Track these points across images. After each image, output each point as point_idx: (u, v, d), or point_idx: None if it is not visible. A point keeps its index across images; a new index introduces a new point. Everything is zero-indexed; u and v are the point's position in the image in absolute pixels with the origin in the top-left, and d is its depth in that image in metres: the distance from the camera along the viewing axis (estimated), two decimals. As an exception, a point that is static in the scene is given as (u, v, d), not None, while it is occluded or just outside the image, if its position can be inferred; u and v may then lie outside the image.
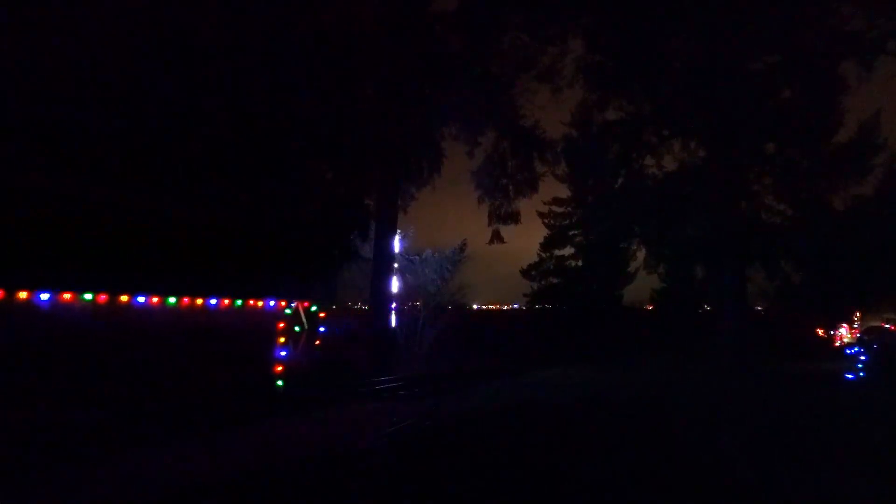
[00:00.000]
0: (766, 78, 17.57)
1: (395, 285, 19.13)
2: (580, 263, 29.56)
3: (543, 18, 18.64)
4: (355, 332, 19.00)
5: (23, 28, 8.30)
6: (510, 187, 21.08)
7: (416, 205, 20.55)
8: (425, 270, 20.99)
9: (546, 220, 29.74)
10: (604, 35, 18.71)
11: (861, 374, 15.41)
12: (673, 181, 19.11)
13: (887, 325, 23.08)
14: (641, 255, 25.06)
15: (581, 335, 25.13)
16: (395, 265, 19.38)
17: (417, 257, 21.05)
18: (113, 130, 8.95)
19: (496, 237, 22.09)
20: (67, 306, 7.36)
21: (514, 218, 21.63)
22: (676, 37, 18.24)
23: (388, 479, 6.00)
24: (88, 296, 7.55)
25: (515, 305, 35.95)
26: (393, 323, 19.08)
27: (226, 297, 9.30)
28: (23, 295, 6.96)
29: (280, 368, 10.29)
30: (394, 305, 19.24)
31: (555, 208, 29.51)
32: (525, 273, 30.11)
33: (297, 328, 11.16)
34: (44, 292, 7.14)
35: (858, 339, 21.74)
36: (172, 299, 8.49)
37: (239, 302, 9.59)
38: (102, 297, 7.70)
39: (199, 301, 8.92)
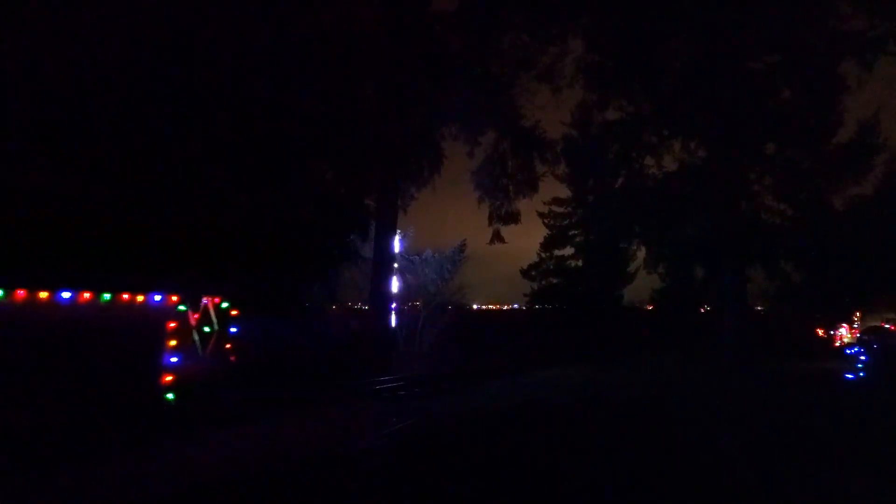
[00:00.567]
0: (766, 78, 17.60)
1: (395, 285, 19.16)
2: (580, 263, 29.59)
3: (543, 18, 18.68)
4: (355, 332, 19.00)
5: (23, 28, 8.31)
6: (510, 187, 21.16)
7: (416, 205, 20.62)
8: (425, 270, 21.03)
9: (546, 220, 29.77)
10: (604, 35, 18.74)
11: (861, 374, 15.37)
12: (673, 181, 19.14)
13: (887, 325, 23.02)
14: (641, 255, 25.03)
15: (581, 335, 25.11)
16: (395, 265, 19.41)
17: (417, 257, 21.08)
18: (113, 130, 8.96)
19: (496, 237, 22.15)
20: None
21: (514, 218, 21.72)
22: (676, 37, 18.25)
23: (388, 479, 6.00)
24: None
25: (515, 305, 36.01)
26: (393, 323, 19.11)
27: (85, 290, 7.47)
28: None
29: (170, 378, 8.44)
30: (394, 305, 19.27)
31: (555, 208, 29.57)
32: (525, 273, 30.15)
33: (206, 329, 9.80)
34: None
35: (858, 339, 21.67)
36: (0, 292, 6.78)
37: (107, 296, 7.71)
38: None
39: (44, 295, 7.08)
